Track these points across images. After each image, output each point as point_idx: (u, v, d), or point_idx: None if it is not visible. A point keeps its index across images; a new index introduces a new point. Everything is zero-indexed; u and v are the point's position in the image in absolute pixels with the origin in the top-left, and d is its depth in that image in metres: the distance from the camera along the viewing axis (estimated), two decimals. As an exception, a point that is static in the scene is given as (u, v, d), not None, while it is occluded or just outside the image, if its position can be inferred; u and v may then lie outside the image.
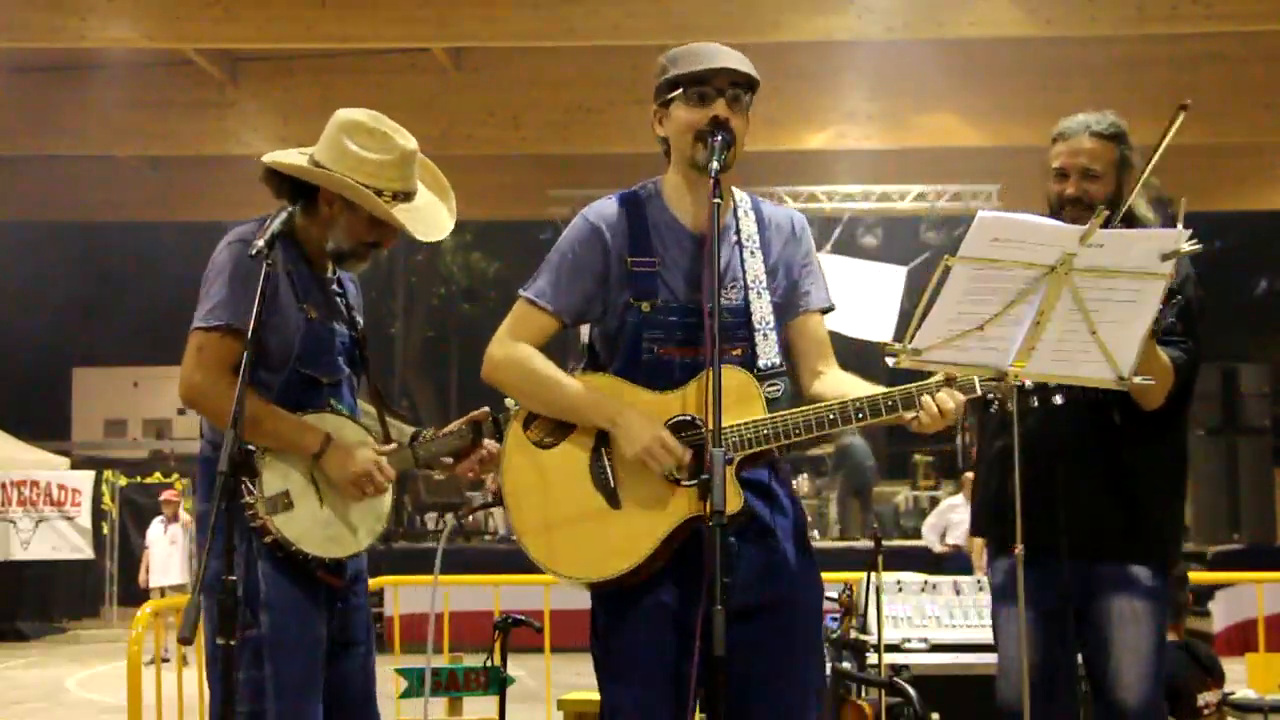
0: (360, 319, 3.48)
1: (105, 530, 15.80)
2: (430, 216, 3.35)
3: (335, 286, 3.40)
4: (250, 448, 2.80)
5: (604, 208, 3.00)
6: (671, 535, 2.81)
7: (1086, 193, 3.53)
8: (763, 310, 2.92)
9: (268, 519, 3.11)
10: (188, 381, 3.18)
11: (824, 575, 3.10)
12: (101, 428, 26.04)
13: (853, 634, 5.38)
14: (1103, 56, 13.56)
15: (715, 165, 2.79)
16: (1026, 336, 2.78)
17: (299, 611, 3.16)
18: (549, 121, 14.81)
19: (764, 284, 2.94)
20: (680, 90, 2.89)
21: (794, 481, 3.12)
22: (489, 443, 3.28)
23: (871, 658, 5.14)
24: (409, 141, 3.28)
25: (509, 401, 3.03)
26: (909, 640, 5.37)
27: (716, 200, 2.74)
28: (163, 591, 12.67)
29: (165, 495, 13.61)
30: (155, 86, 14.70)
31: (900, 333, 2.84)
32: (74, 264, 25.30)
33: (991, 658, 3.81)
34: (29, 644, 14.68)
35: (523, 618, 4.54)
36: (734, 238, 2.97)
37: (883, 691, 4.76)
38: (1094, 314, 2.77)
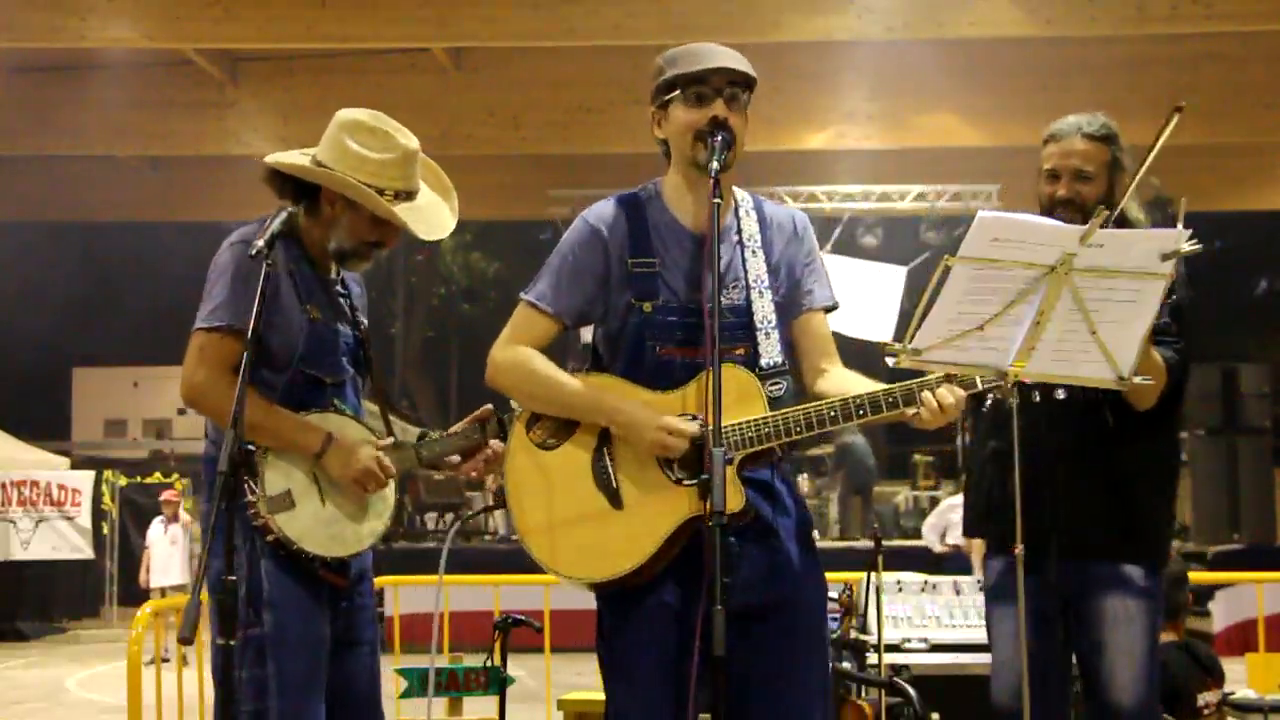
0: (364, 320, 3.48)
1: (105, 530, 15.80)
2: (432, 215, 3.35)
3: (339, 287, 3.41)
4: (250, 447, 2.81)
5: (604, 210, 3.01)
6: (673, 535, 2.81)
7: (1079, 194, 3.53)
8: (765, 309, 2.92)
9: (269, 518, 3.12)
10: (189, 382, 3.19)
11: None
12: (101, 428, 26.04)
13: (853, 634, 5.38)
14: (1103, 56, 13.56)
15: (715, 165, 2.80)
16: (1026, 336, 2.78)
17: (301, 610, 3.17)
18: (549, 121, 14.81)
19: (766, 283, 2.94)
20: (678, 91, 2.90)
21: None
22: (494, 442, 3.29)
23: (871, 658, 5.13)
24: (410, 141, 3.28)
25: (514, 402, 3.04)
26: (909, 640, 5.37)
27: (717, 200, 2.75)
28: (163, 591, 12.67)
29: (165, 495, 13.61)
30: (155, 86, 14.70)
31: (900, 333, 2.84)
32: (74, 264, 25.31)
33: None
34: (29, 644, 14.68)
35: (523, 618, 4.54)
36: (735, 237, 2.98)
37: (883, 691, 4.76)
38: (1094, 314, 2.77)
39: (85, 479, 15.76)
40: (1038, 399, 3.05)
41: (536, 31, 12.37)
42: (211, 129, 15.12)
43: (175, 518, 13.26)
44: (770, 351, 2.91)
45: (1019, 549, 3.32)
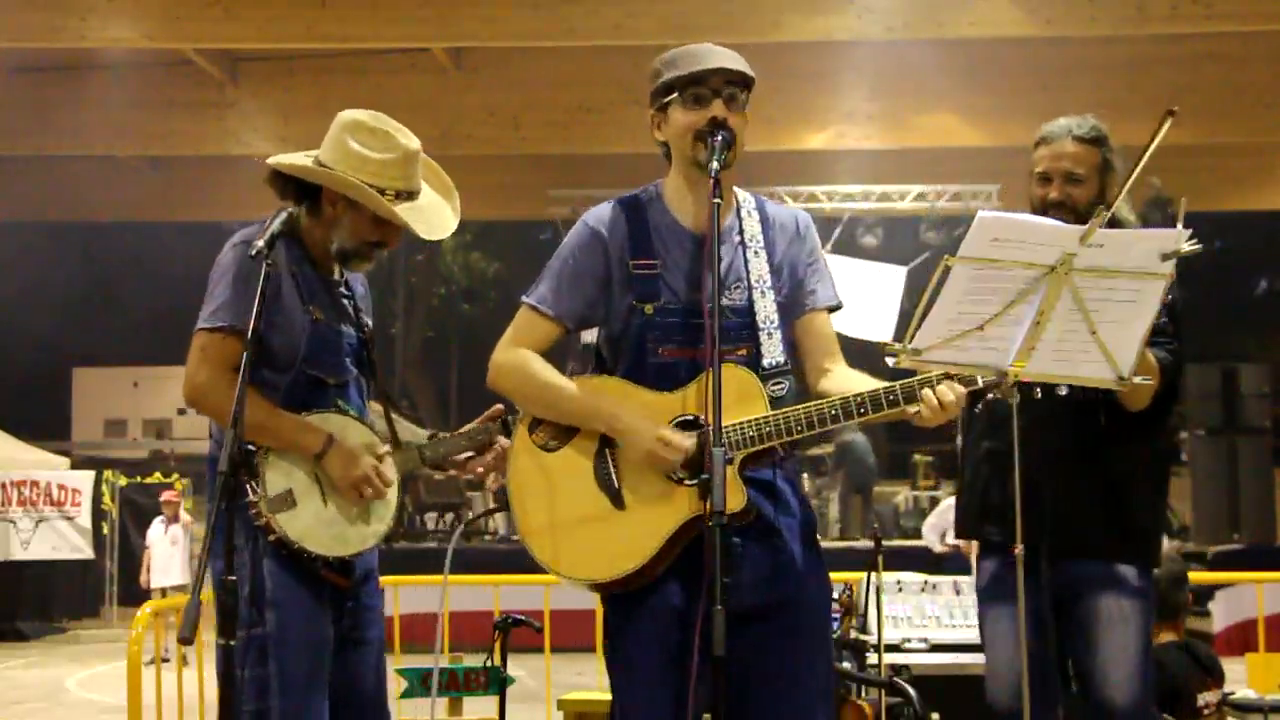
0: (369, 321, 3.49)
1: (105, 530, 15.79)
2: (433, 215, 3.36)
3: (343, 289, 3.41)
4: (250, 447, 2.81)
5: (604, 212, 3.01)
6: (675, 535, 2.81)
7: (1070, 196, 3.54)
8: (767, 309, 2.92)
9: (271, 518, 3.12)
10: (191, 382, 3.20)
11: (825, 575, 3.09)
12: (101, 428, 26.04)
13: (853, 634, 5.38)
14: (1103, 56, 13.56)
15: (715, 165, 2.79)
16: (1026, 336, 2.78)
17: (304, 610, 3.17)
18: (549, 121, 14.81)
19: (768, 283, 2.94)
20: (676, 94, 2.90)
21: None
22: (502, 439, 3.31)
23: (871, 658, 5.13)
24: (412, 141, 3.29)
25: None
26: (909, 640, 5.37)
27: (716, 200, 2.74)
28: (164, 592, 12.67)
29: (166, 496, 13.60)
30: (155, 86, 14.71)
31: (900, 333, 2.84)
32: (74, 264, 25.31)
33: (992, 658, 3.81)
34: (29, 644, 14.67)
35: (523, 618, 4.53)
36: (737, 238, 2.98)
37: (883, 691, 4.76)
38: (1094, 314, 2.77)
39: (85, 479, 15.76)
40: (1039, 395, 3.04)
41: (536, 31, 12.37)
42: (211, 129, 15.12)
43: (176, 518, 13.26)
44: (772, 352, 2.91)
45: (1019, 549, 3.32)
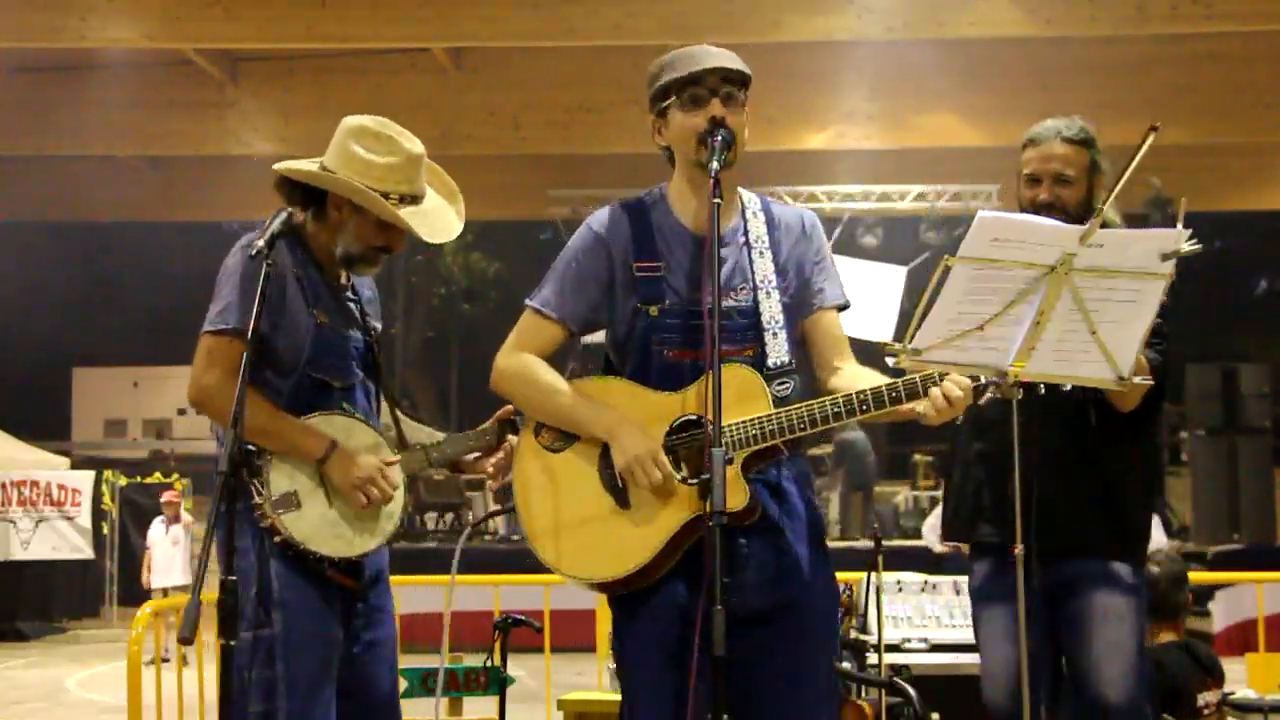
0: (377, 325, 3.50)
1: (105, 530, 15.78)
2: (438, 219, 3.37)
3: (350, 293, 3.42)
4: (251, 448, 2.82)
5: (607, 215, 3.02)
6: (678, 535, 2.81)
7: (1059, 198, 3.54)
8: (772, 310, 2.93)
9: (276, 518, 3.13)
10: (196, 384, 3.21)
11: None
12: (101, 428, 26.07)
13: (853, 634, 5.38)
14: (1103, 56, 13.57)
15: (715, 165, 2.80)
16: (1026, 336, 2.78)
17: (311, 611, 3.18)
18: (549, 121, 14.83)
19: (773, 283, 2.95)
20: (674, 96, 2.90)
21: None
22: (511, 439, 3.32)
23: (871, 658, 5.13)
24: (415, 145, 3.30)
25: None
26: (909, 640, 5.37)
27: (716, 200, 2.75)
28: (165, 592, 12.66)
29: (167, 496, 13.61)
30: (155, 86, 14.72)
31: (900, 333, 2.84)
32: (74, 264, 25.35)
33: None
34: (29, 644, 14.67)
35: (523, 618, 4.53)
36: (742, 239, 2.98)
37: (883, 691, 4.76)
38: (1094, 314, 2.77)
39: (85, 479, 15.75)
40: (1043, 390, 3.05)
41: (536, 31, 12.38)
42: (211, 129, 15.14)
43: (177, 518, 13.27)
44: (777, 352, 2.91)
45: (1019, 549, 3.32)
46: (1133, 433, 3.56)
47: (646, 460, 2.79)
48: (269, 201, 3.30)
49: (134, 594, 13.71)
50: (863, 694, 5.00)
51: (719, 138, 2.83)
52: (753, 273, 2.95)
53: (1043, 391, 3.06)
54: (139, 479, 16.57)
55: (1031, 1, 11.98)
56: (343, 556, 3.21)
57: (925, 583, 5.66)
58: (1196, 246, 2.77)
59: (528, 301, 3.01)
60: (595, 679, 6.76)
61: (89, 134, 15.11)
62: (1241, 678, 5.97)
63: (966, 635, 5.30)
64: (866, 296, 14.86)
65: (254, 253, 2.97)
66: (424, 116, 12.96)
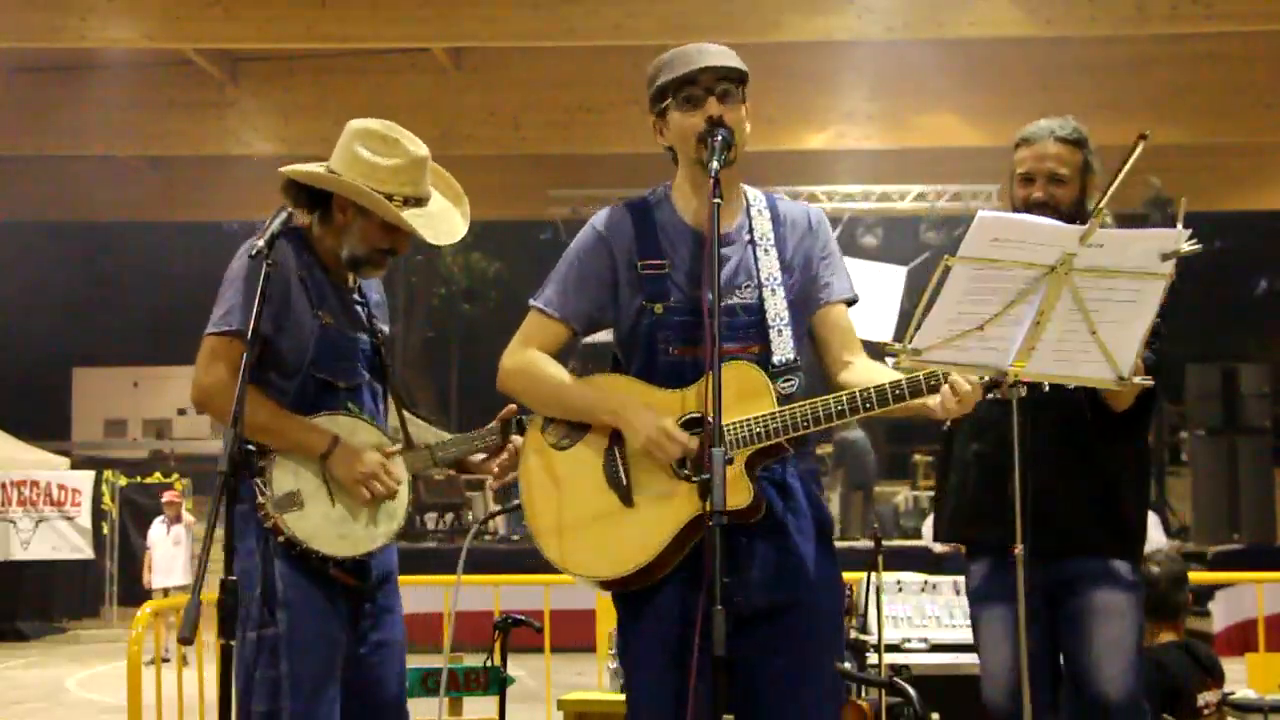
0: (384, 328, 3.51)
1: (105, 530, 15.79)
2: (442, 221, 3.38)
3: (357, 295, 3.43)
4: (251, 448, 2.82)
5: (611, 215, 3.03)
6: (681, 534, 2.81)
7: (1053, 196, 3.56)
8: (777, 307, 2.93)
9: (278, 518, 3.14)
10: (200, 385, 3.23)
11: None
12: (101, 428, 26.05)
13: (853, 634, 5.38)
14: (1103, 56, 13.58)
15: (715, 165, 2.80)
16: (1026, 336, 2.78)
17: (315, 610, 3.19)
18: (549, 121, 14.83)
19: (778, 280, 2.95)
20: (671, 97, 2.91)
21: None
22: (515, 438, 3.32)
23: (871, 658, 5.14)
24: (420, 148, 3.32)
25: None
26: (909, 640, 5.37)
27: (716, 200, 2.75)
28: (166, 592, 12.67)
29: (168, 496, 13.62)
30: (155, 86, 14.72)
31: (900, 333, 2.84)
32: (74, 264, 25.34)
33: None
34: (29, 644, 14.67)
35: (523, 618, 4.53)
36: (747, 236, 2.98)
37: (883, 691, 4.76)
38: (1094, 314, 2.77)
39: (85, 479, 15.76)
40: (1047, 388, 3.05)
41: (536, 31, 12.38)
42: (211, 129, 15.14)
43: (178, 518, 13.27)
44: (782, 349, 2.91)
45: (1019, 549, 3.32)
46: (1127, 431, 3.57)
47: (661, 437, 2.79)
48: (269, 201, 3.31)
49: (134, 594, 13.71)
50: (863, 694, 5.00)
51: (719, 138, 2.83)
52: (757, 270, 2.95)
53: (1047, 389, 3.06)
54: (139, 479, 16.57)
55: (1031, 1, 11.98)
56: (346, 556, 3.22)
57: (925, 583, 5.67)
58: (1196, 246, 2.77)
59: (532, 301, 3.02)
60: (595, 679, 6.75)
61: (89, 134, 15.11)
62: (1241, 678, 5.96)
63: (966, 635, 5.29)
64: (866, 296, 14.77)
65: (254, 253, 2.99)
66: (424, 116, 12.96)
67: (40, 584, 15.75)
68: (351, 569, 3.25)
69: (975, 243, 2.71)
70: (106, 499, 15.83)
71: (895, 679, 4.64)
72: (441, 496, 15.98)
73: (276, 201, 3.30)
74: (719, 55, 2.91)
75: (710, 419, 2.65)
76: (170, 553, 13.15)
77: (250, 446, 2.84)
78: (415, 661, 4.88)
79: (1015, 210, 3.55)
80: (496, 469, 3.41)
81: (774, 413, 2.80)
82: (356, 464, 3.21)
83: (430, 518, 16.33)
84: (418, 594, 7.37)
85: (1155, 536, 10.23)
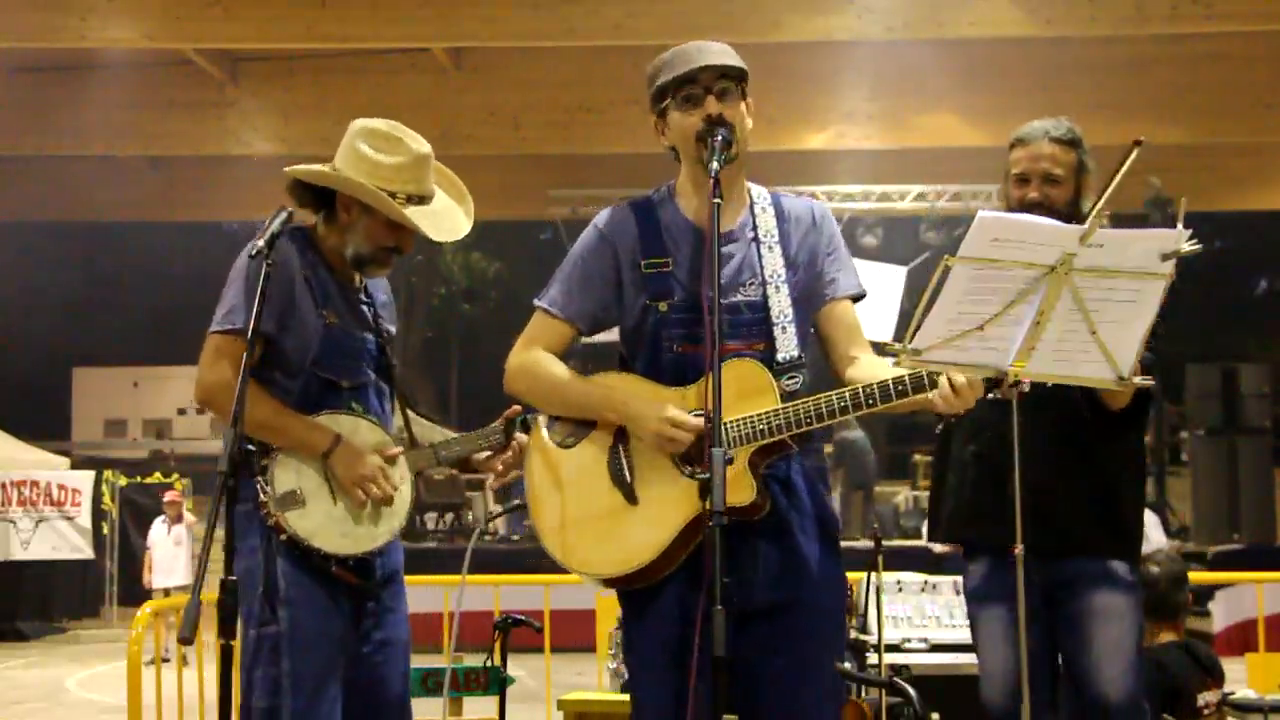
0: (391, 328, 3.52)
1: (105, 530, 15.79)
2: (445, 219, 3.40)
3: (363, 295, 3.44)
4: (252, 447, 2.82)
5: (614, 215, 3.03)
6: (686, 530, 2.81)
7: (1048, 197, 3.57)
8: (781, 304, 2.93)
9: (280, 516, 3.15)
10: (204, 383, 3.24)
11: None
12: (101, 428, 26.05)
13: (853, 634, 5.38)
14: (1103, 56, 13.57)
15: (715, 165, 2.80)
16: (1026, 336, 2.78)
17: (318, 609, 3.19)
18: (549, 121, 14.83)
19: (782, 278, 2.95)
20: (670, 97, 2.91)
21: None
22: (520, 436, 3.32)
23: (871, 658, 5.14)
24: (423, 146, 3.33)
25: None
26: (909, 640, 5.37)
27: (716, 200, 2.75)
28: (167, 592, 12.67)
29: (169, 496, 13.62)
30: (155, 86, 14.72)
31: (900, 333, 2.84)
32: (74, 264, 25.34)
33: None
34: (29, 644, 14.68)
35: (523, 618, 4.53)
36: (751, 234, 2.98)
37: (883, 691, 4.76)
38: (1094, 314, 2.77)
39: (85, 479, 15.76)
40: (1050, 385, 3.05)
41: (536, 31, 12.38)
42: (211, 129, 15.14)
43: (179, 518, 13.28)
44: (787, 346, 2.91)
45: (1019, 549, 3.32)
46: (1124, 430, 3.57)
47: (667, 427, 2.80)
48: (269, 201, 3.31)
49: (134, 594, 13.71)
50: (863, 694, 5.00)
51: (718, 138, 2.83)
52: (761, 267, 2.95)
53: (1050, 386, 3.07)
54: (139, 479, 16.57)
55: (1031, 1, 11.98)
56: (348, 554, 3.22)
57: (925, 583, 5.67)
58: (1196, 246, 2.76)
59: (536, 302, 3.04)
60: (595, 679, 6.75)
61: (89, 134, 15.11)
62: (1241, 678, 5.96)
63: (966, 635, 5.27)
64: (866, 296, 14.83)
65: (253, 252, 2.99)
66: (424, 116, 12.95)
67: (40, 584, 15.75)
68: (354, 567, 3.25)
69: (975, 243, 2.71)
70: (106, 499, 15.83)
71: (895, 679, 4.64)
72: (441, 496, 15.99)
73: (276, 201, 3.30)
74: (717, 54, 2.91)
75: (710, 418, 2.65)
76: (171, 552, 13.16)
77: (251, 446, 2.84)
78: (415, 661, 4.88)
79: (1010, 210, 3.56)
80: (500, 467, 3.41)
81: (776, 410, 2.80)
82: (356, 465, 3.21)
83: (430, 518, 16.33)
84: (417, 594, 7.34)
85: (1155, 536, 10.24)
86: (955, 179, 16.05)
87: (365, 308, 3.44)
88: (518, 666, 4.79)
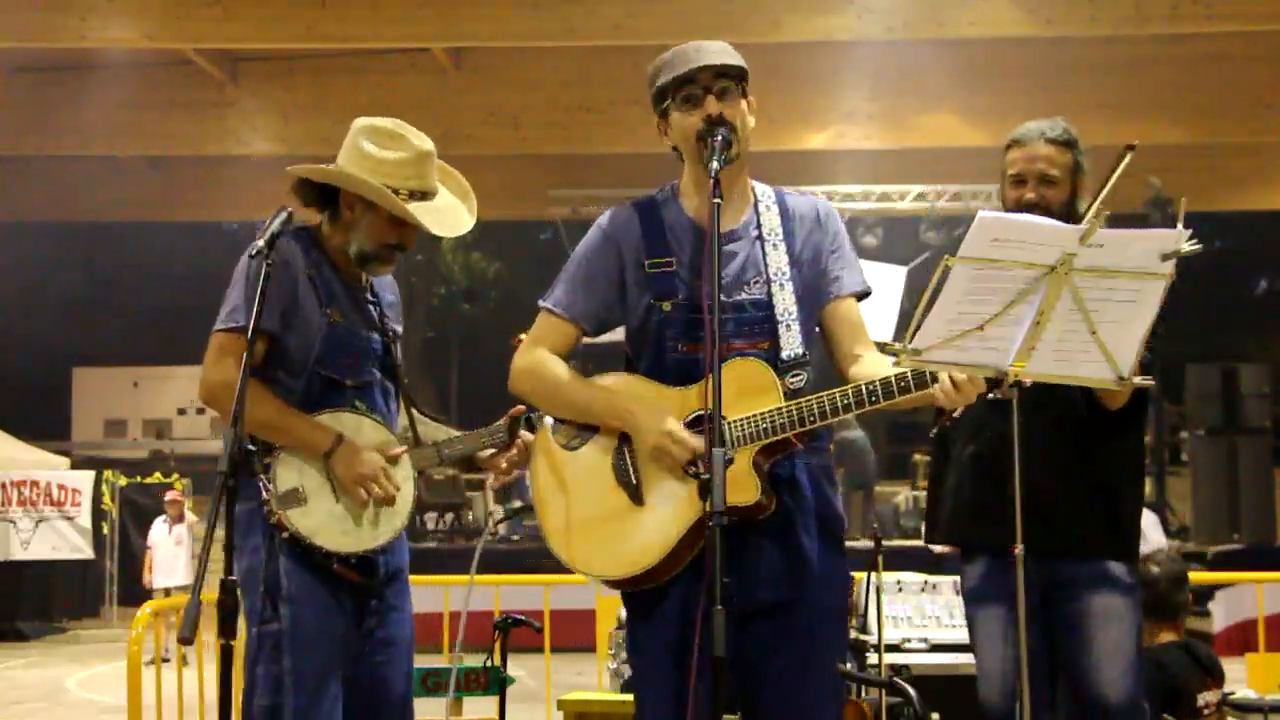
0: (397, 328, 3.52)
1: (105, 530, 15.79)
2: (448, 215, 3.41)
3: (369, 295, 3.44)
4: (252, 447, 2.83)
5: (617, 215, 3.04)
6: (692, 531, 2.81)
7: (1044, 198, 3.57)
8: (785, 302, 2.93)
9: (282, 514, 3.15)
10: (208, 381, 3.25)
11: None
12: (101, 428, 26.03)
13: (853, 634, 5.38)
14: (1103, 56, 13.57)
15: (715, 165, 2.80)
16: (1026, 336, 2.78)
17: (319, 607, 3.20)
18: (549, 121, 14.83)
19: (786, 276, 2.95)
20: (671, 98, 2.91)
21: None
22: (524, 434, 3.32)
23: (871, 658, 5.14)
24: (425, 142, 3.34)
25: None
26: (909, 640, 5.37)
27: (717, 200, 2.75)
28: (167, 592, 12.68)
29: (170, 496, 13.63)
30: (155, 86, 14.72)
31: (900, 333, 2.84)
32: (74, 264, 25.31)
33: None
34: (29, 644, 14.68)
35: (523, 618, 4.54)
36: (754, 232, 2.99)
37: (883, 691, 4.76)
38: (1094, 314, 2.77)
39: (85, 479, 15.76)
40: (1048, 386, 3.05)
41: (536, 31, 12.38)
42: (211, 129, 15.13)
43: (180, 518, 13.29)
44: (791, 344, 2.91)
45: (1019, 549, 3.32)
46: (1123, 429, 3.57)
47: (667, 442, 2.80)
48: (269, 201, 3.32)
49: (134, 594, 13.71)
50: (863, 694, 5.00)
51: (718, 138, 2.83)
52: (766, 266, 2.95)
53: (1049, 386, 3.07)
54: (139, 479, 16.58)
55: (1031, 1, 11.98)
56: (350, 552, 3.23)
57: (925, 583, 5.67)
58: (1196, 246, 2.77)
59: (541, 302, 3.04)
60: (595, 679, 6.75)
61: (89, 134, 15.11)
62: (1241, 678, 5.96)
63: (966, 635, 5.29)
64: (871, 294, 14.84)
65: (254, 252, 3.00)
66: (424, 116, 12.86)
67: (40, 584, 15.75)
68: (357, 565, 3.26)
69: (975, 243, 2.71)
70: (106, 499, 15.83)
71: (895, 679, 4.64)
72: (441, 497, 15.98)
73: (276, 201, 3.30)
74: (716, 53, 2.92)
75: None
76: (172, 552, 13.16)
77: (251, 445, 2.85)
78: (415, 661, 4.88)
79: (1007, 210, 3.56)
80: (504, 465, 3.41)
81: (781, 408, 2.80)
82: (356, 464, 3.21)
83: (430, 518, 16.33)
84: (417, 594, 7.37)
85: (1155, 536, 10.22)
86: (955, 179, 16.05)
87: (371, 307, 3.44)
88: (518, 666, 4.79)
